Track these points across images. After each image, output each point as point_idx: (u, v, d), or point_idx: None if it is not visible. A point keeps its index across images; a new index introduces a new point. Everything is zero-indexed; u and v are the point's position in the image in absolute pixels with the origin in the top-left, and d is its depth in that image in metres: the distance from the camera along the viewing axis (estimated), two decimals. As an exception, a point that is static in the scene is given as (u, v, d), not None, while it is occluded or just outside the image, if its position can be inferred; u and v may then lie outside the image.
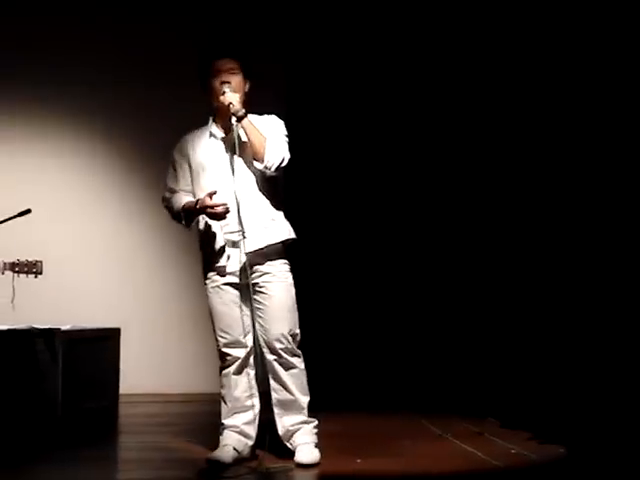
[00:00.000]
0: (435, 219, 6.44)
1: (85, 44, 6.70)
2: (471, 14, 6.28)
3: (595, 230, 5.60)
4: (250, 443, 4.14)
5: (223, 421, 4.17)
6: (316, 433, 4.14)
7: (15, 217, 4.77)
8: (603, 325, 5.47)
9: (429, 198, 6.48)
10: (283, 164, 4.05)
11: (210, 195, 3.97)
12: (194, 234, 4.20)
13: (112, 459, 4.50)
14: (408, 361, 6.26)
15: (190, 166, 4.15)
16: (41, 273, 4.70)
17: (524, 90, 6.01)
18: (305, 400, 4.11)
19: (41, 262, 4.70)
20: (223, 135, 4.12)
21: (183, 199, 4.13)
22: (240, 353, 4.11)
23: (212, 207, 3.95)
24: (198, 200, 4.03)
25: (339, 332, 6.41)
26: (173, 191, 4.19)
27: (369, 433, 4.96)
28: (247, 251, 4.00)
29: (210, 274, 4.14)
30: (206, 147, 4.14)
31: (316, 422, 4.15)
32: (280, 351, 4.05)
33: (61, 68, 6.66)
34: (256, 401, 4.15)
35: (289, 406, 4.09)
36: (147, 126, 6.71)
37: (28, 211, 4.79)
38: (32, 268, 4.66)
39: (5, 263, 4.63)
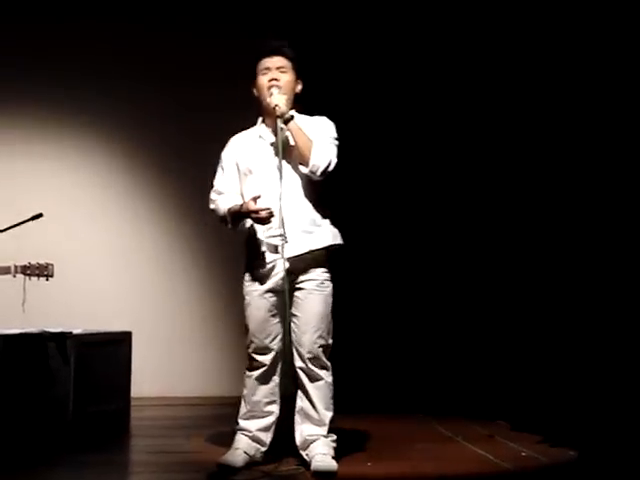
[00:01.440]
0: (462, 226, 6.35)
1: (84, 44, 6.71)
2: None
3: (601, 232, 5.58)
4: (262, 449, 4.12)
5: (239, 420, 4.14)
6: (334, 447, 4.06)
7: (27, 221, 4.77)
8: (615, 328, 5.45)
9: (451, 210, 6.39)
10: (329, 169, 3.99)
11: (254, 199, 3.92)
12: (206, 237, 4.20)
13: (123, 462, 4.51)
14: (418, 364, 6.24)
15: (238, 168, 4.13)
16: (52, 276, 4.71)
17: (550, 95, 5.94)
18: (328, 415, 4.04)
19: (52, 265, 4.70)
20: (271, 137, 4.07)
21: (229, 201, 4.08)
22: (266, 360, 4.06)
23: (256, 212, 3.91)
24: (243, 204, 4.01)
25: (349, 334, 6.38)
26: (220, 192, 4.15)
27: (380, 436, 4.95)
28: (288, 256, 3.95)
29: (249, 277, 4.09)
30: (254, 149, 4.10)
31: (335, 437, 4.08)
32: (308, 361, 4.01)
33: (61, 68, 6.68)
34: (275, 407, 4.12)
35: (310, 417, 4.04)
36: (150, 123, 6.73)
37: (40, 215, 4.78)
38: (43, 271, 4.67)
39: (16, 266, 4.63)
